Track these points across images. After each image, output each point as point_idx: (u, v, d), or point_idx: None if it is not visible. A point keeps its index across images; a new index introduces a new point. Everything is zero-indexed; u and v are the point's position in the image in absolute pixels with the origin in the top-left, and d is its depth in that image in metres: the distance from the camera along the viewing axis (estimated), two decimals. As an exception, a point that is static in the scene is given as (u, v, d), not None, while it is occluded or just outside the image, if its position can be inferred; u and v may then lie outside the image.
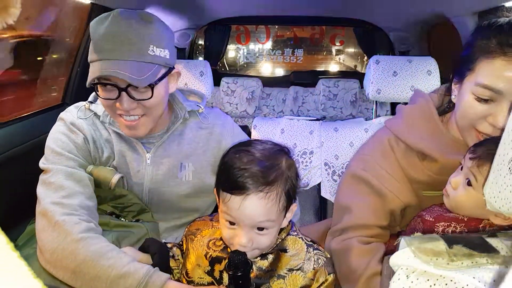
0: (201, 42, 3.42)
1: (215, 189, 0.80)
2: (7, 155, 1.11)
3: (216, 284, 0.80)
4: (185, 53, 2.71)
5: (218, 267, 0.81)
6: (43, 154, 0.94)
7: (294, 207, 0.81)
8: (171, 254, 0.90)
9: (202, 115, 1.09)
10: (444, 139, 0.92)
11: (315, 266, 0.78)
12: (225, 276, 0.79)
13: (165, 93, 0.95)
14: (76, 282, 0.79)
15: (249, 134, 1.59)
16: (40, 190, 0.88)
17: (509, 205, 0.43)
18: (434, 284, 0.46)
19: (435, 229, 0.81)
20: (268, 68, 5.20)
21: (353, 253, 0.89)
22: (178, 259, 0.91)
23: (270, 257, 0.80)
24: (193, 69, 1.53)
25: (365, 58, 4.09)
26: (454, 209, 0.83)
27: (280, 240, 0.81)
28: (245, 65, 5.41)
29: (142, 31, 0.86)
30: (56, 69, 1.60)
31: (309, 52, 5.11)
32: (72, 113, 0.98)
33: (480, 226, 0.78)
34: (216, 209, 1.10)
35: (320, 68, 5.14)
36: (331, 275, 0.80)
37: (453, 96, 0.92)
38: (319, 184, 1.49)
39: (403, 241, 0.51)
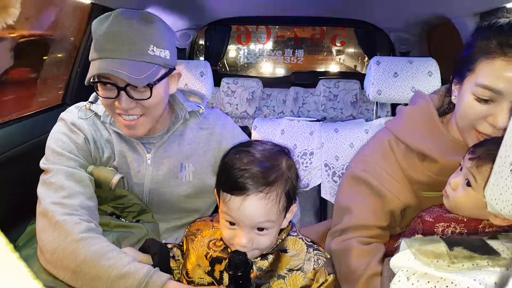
0: (201, 42, 3.42)
1: (215, 190, 0.80)
2: (7, 155, 1.11)
3: (216, 284, 0.81)
4: (186, 53, 2.71)
5: (218, 267, 0.81)
6: (43, 154, 0.94)
7: (294, 207, 0.81)
8: (171, 254, 0.90)
9: (203, 115, 1.09)
10: (444, 140, 0.92)
11: (315, 266, 0.79)
12: (225, 276, 0.79)
13: (165, 94, 0.95)
14: (76, 282, 0.79)
15: (249, 134, 1.59)
16: (40, 190, 0.88)
17: (510, 208, 0.43)
18: (435, 286, 0.46)
19: (435, 229, 0.82)
20: (268, 69, 5.20)
21: (353, 253, 0.89)
22: (178, 259, 0.91)
23: (270, 257, 0.80)
24: (193, 69, 1.53)
25: (366, 58, 4.10)
26: (453, 210, 0.83)
27: (280, 241, 0.81)
28: (245, 66, 5.41)
29: (142, 31, 0.86)
30: (60, 69, 1.61)
31: (309, 52, 5.11)
32: (72, 113, 0.98)
33: (480, 226, 0.78)
34: (216, 210, 1.10)
35: (321, 68, 5.14)
36: (331, 275, 0.80)
37: (453, 97, 0.92)
38: (319, 185, 1.49)
39: (403, 243, 0.51)
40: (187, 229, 0.92)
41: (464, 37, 1.64)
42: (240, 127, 1.19)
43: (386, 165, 0.96)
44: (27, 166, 1.03)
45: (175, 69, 0.99)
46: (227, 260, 0.77)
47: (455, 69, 0.91)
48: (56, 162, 0.90)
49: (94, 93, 1.02)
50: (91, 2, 1.37)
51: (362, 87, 2.51)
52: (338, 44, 4.96)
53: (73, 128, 0.96)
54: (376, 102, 1.67)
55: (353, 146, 1.46)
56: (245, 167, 0.72)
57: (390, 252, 0.89)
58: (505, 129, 0.45)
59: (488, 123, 0.82)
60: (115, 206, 0.99)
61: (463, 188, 0.80)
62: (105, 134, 0.99)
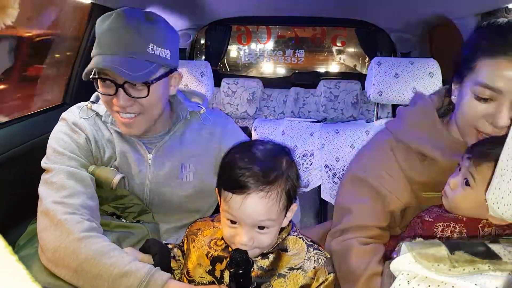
0: (202, 42, 3.42)
1: (216, 189, 0.80)
2: (8, 155, 1.11)
3: (217, 283, 0.81)
4: (186, 54, 2.70)
5: (219, 267, 0.81)
6: (44, 154, 0.94)
7: (295, 207, 0.81)
8: (172, 254, 0.91)
9: (203, 116, 1.09)
10: (444, 141, 0.92)
11: (315, 265, 0.79)
12: (226, 276, 0.80)
13: (163, 94, 0.95)
14: (78, 281, 0.79)
15: (249, 135, 1.59)
16: (42, 189, 0.88)
17: (512, 211, 0.43)
18: (436, 290, 0.46)
19: (434, 229, 0.82)
20: (269, 69, 5.19)
21: (353, 253, 0.89)
22: (179, 259, 0.91)
23: (271, 256, 0.80)
24: (193, 69, 1.53)
25: (367, 59, 4.09)
26: (452, 210, 0.83)
27: (280, 240, 0.82)
28: (246, 65, 5.40)
29: (143, 29, 0.87)
30: (61, 68, 1.61)
31: (310, 52, 5.09)
32: (74, 113, 0.99)
33: (479, 226, 0.78)
34: (216, 210, 1.10)
35: (321, 69, 5.13)
36: (331, 274, 0.80)
37: (453, 97, 0.92)
38: (319, 187, 1.49)
39: (404, 246, 0.51)
40: (188, 229, 0.92)
41: (465, 38, 1.64)
42: (241, 127, 1.20)
43: (386, 166, 0.96)
44: (28, 166, 1.03)
45: (177, 70, 0.99)
46: (228, 259, 0.77)
47: (455, 69, 0.91)
48: (58, 162, 0.90)
49: (96, 93, 1.02)
50: (91, 2, 1.37)
51: (363, 88, 2.50)
52: (338, 44, 4.94)
53: (74, 128, 0.96)
54: (377, 103, 1.67)
55: (354, 147, 1.46)
56: (246, 166, 0.73)
57: (390, 252, 0.89)
58: (507, 133, 0.45)
59: (488, 122, 0.82)
60: (116, 206, 0.99)
61: (462, 188, 0.80)
62: (106, 134, 0.99)
